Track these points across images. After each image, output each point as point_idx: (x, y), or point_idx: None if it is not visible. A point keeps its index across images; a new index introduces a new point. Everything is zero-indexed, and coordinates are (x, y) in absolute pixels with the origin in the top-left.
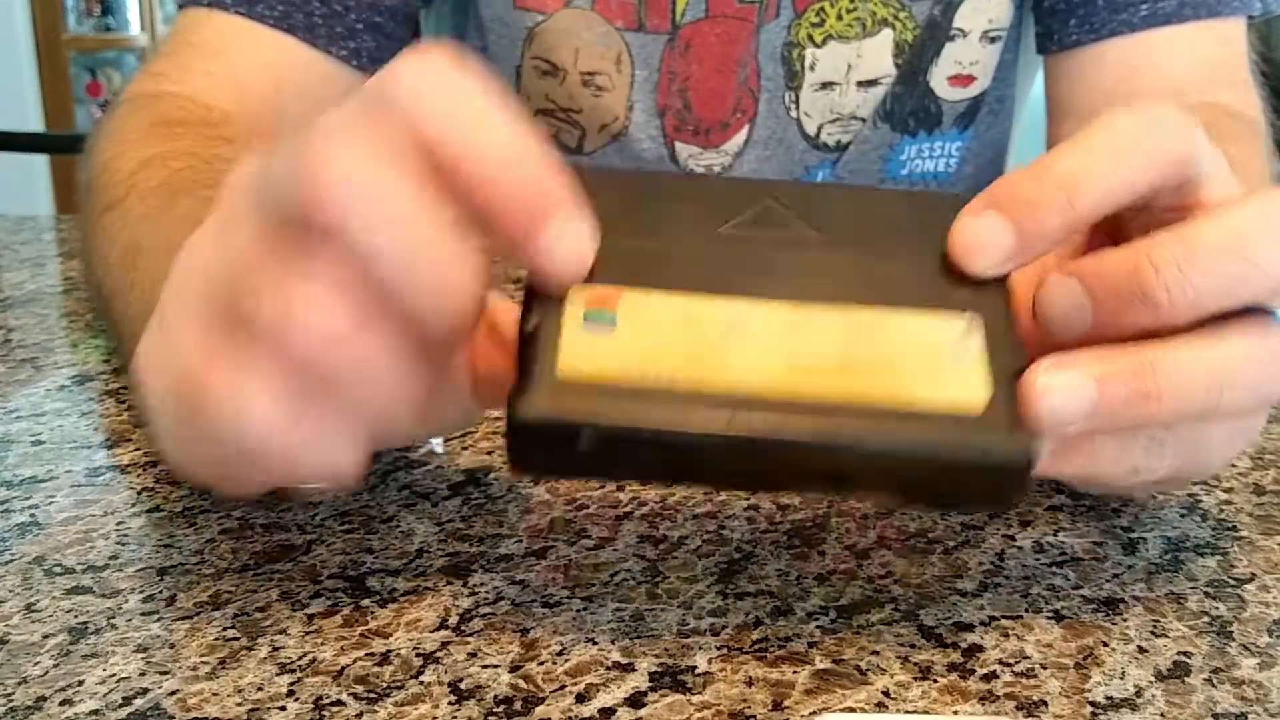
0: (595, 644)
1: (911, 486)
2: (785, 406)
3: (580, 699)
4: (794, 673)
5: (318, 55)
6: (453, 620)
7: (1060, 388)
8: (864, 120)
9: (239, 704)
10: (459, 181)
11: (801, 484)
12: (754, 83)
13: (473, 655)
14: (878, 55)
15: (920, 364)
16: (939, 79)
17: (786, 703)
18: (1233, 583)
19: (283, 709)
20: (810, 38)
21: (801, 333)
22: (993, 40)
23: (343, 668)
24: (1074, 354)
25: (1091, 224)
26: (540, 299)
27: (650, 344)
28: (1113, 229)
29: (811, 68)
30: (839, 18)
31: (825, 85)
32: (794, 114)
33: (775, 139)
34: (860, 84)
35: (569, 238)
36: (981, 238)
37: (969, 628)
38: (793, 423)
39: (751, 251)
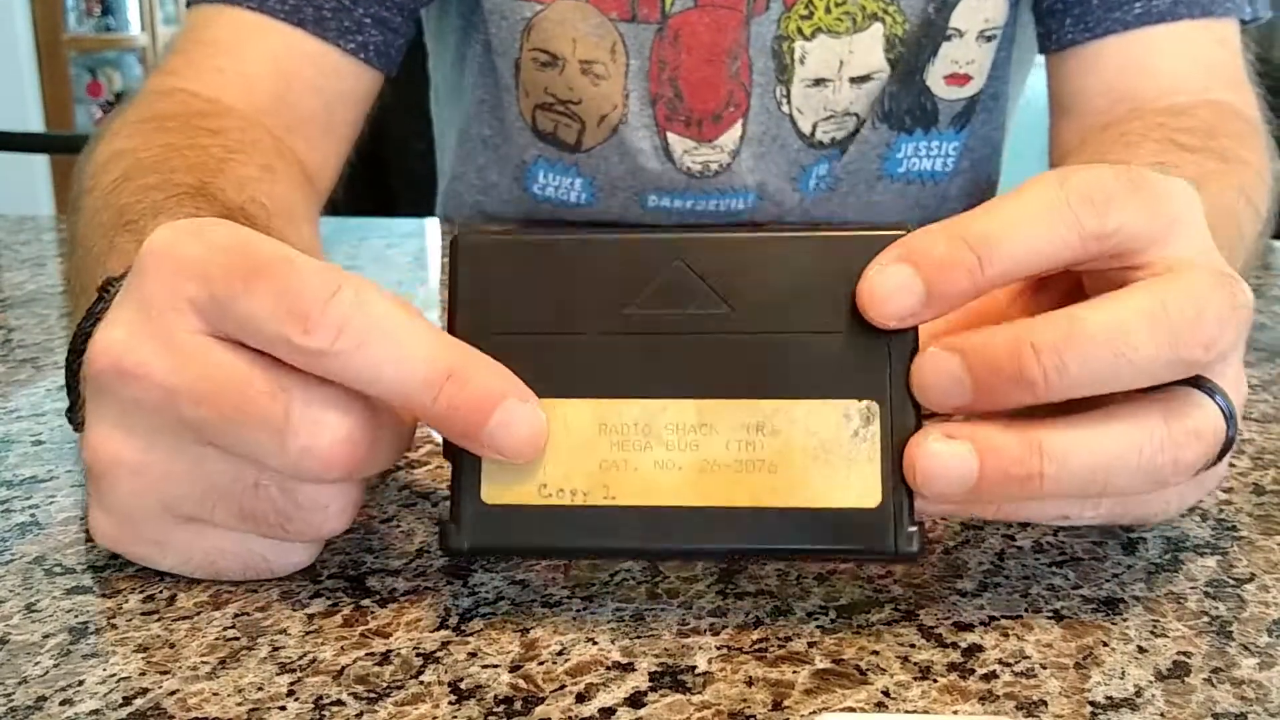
0: (595, 644)
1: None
2: (690, 516)
3: (580, 699)
4: (794, 673)
5: (327, 48)
6: (453, 620)
7: (942, 456)
8: (858, 117)
9: (239, 704)
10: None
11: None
12: (745, 77)
13: (473, 655)
14: (869, 50)
15: (817, 458)
16: (936, 78)
17: (786, 703)
18: (1232, 583)
19: (283, 709)
20: (800, 30)
21: (706, 436)
22: (989, 39)
23: (343, 667)
24: (964, 426)
25: (1001, 286)
26: None
27: (566, 459)
28: (1050, 281)
29: (802, 61)
30: (828, 10)
31: (818, 82)
32: (786, 109)
33: (769, 136)
34: (853, 80)
35: (514, 428)
36: (889, 290)
37: (969, 627)
38: (697, 535)
39: (658, 343)
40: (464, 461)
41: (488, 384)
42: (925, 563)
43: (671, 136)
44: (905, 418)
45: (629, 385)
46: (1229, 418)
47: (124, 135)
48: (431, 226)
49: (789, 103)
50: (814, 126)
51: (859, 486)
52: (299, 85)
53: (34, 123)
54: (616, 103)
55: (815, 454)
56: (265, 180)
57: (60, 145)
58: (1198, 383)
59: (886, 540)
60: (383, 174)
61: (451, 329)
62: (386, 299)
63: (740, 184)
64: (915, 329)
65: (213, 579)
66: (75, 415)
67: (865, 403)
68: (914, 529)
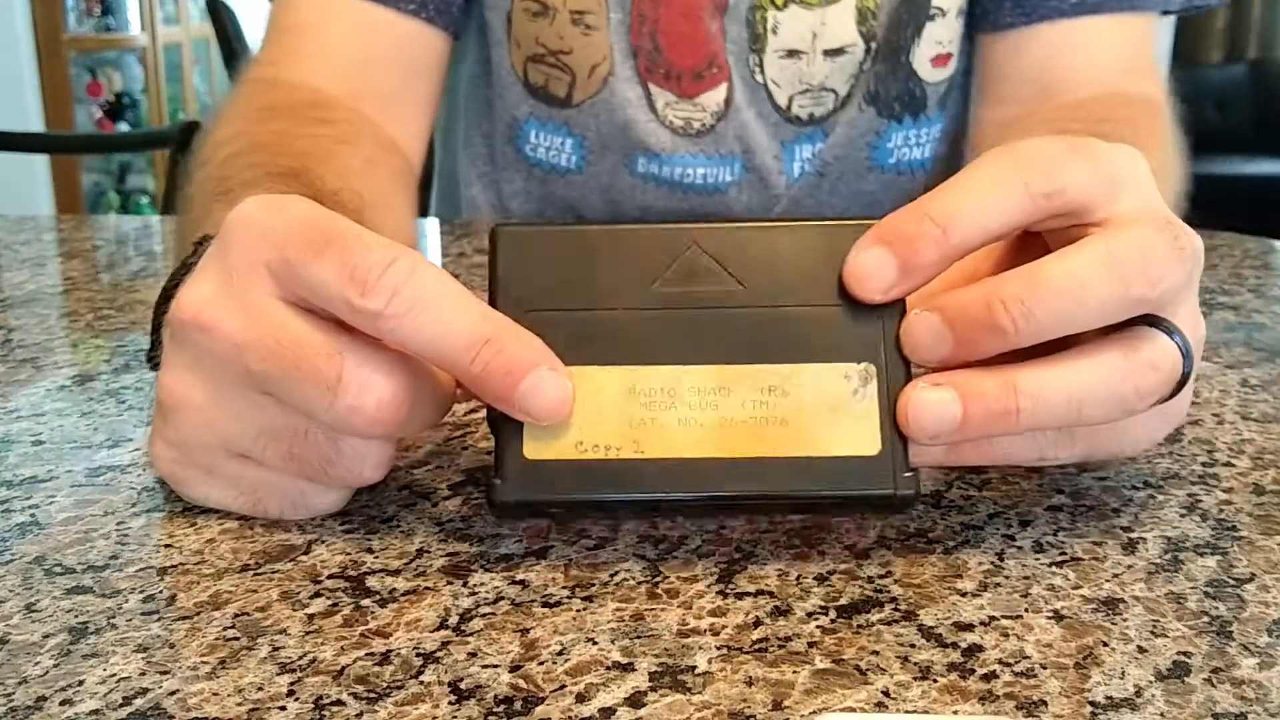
0: (595, 644)
1: (815, 509)
2: (711, 467)
3: (580, 699)
4: (794, 672)
5: (395, 16)
6: (453, 620)
7: (930, 403)
8: (835, 93)
9: (239, 704)
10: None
11: (729, 515)
12: (720, 42)
13: (473, 655)
14: (841, 23)
15: (824, 414)
16: (922, 60)
17: (786, 703)
18: (1232, 583)
19: (283, 709)
20: (772, 1)
21: (724, 397)
22: (961, 15)
23: (343, 668)
24: (946, 374)
25: (969, 252)
26: None
27: (599, 418)
28: (1033, 241)
29: (774, 31)
30: None
31: (791, 53)
32: (760, 79)
33: (748, 104)
34: (827, 53)
35: (543, 394)
36: (868, 269)
37: (969, 627)
38: (717, 483)
39: (680, 317)
40: (508, 423)
41: (521, 352)
42: (925, 563)
43: (654, 88)
44: (898, 377)
45: (654, 354)
46: (1185, 354)
47: (240, 120)
48: (431, 227)
49: (763, 73)
50: (790, 100)
51: (860, 438)
52: (379, 61)
53: (34, 123)
54: (606, 54)
55: (821, 411)
56: (366, 172)
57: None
58: (1154, 322)
59: (886, 481)
60: None
61: (493, 307)
62: (438, 273)
63: (726, 149)
64: (902, 300)
65: (252, 513)
66: (154, 355)
67: (863, 365)
68: (910, 474)
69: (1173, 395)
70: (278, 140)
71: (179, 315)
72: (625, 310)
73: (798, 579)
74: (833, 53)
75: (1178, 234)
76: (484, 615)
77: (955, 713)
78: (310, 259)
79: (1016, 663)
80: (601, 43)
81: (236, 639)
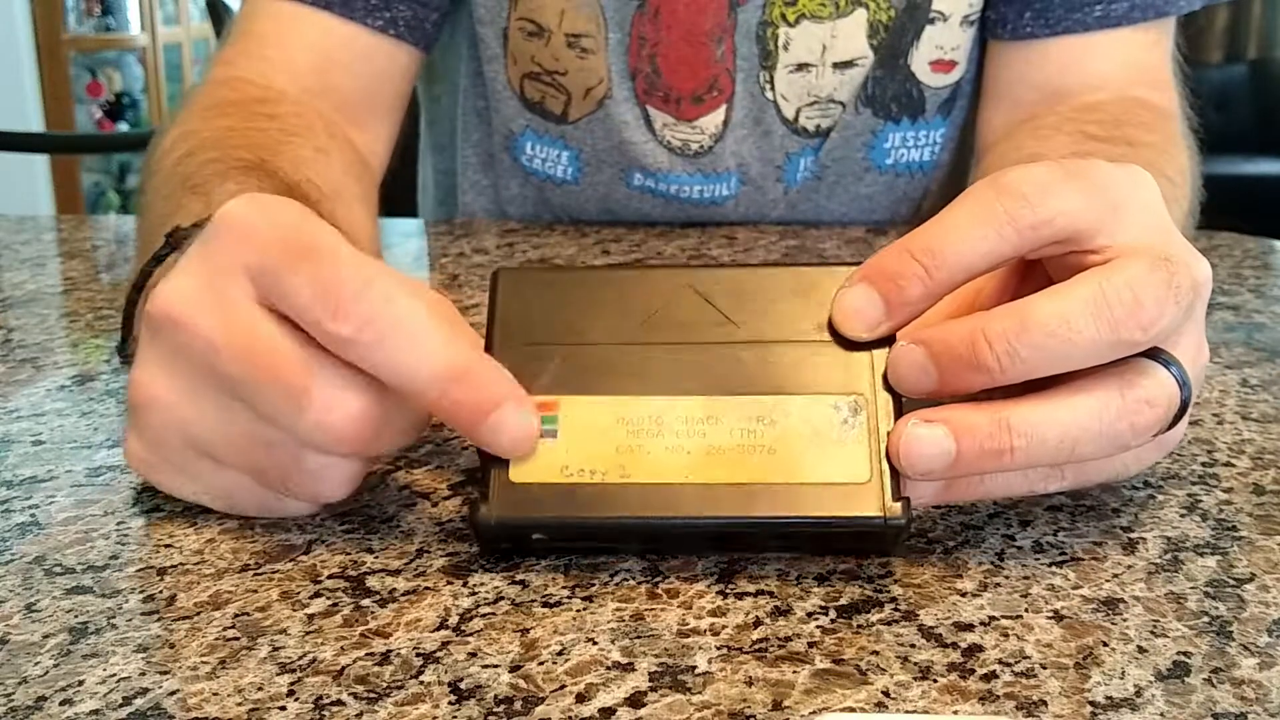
0: (595, 644)
1: (809, 545)
2: (697, 491)
3: (580, 699)
4: (794, 672)
5: (356, 30)
6: (453, 620)
7: (922, 439)
8: (842, 104)
9: (239, 704)
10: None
11: (721, 550)
12: (730, 62)
13: (473, 655)
14: (852, 36)
15: (812, 442)
16: (920, 64)
17: (786, 702)
18: (1232, 583)
19: (283, 709)
20: (784, 16)
21: (712, 426)
22: (971, 24)
23: (343, 668)
24: (940, 410)
25: (956, 288)
26: None
27: (586, 444)
28: (1036, 268)
29: (785, 47)
30: None
31: (801, 67)
32: (770, 95)
33: (753, 120)
34: (836, 65)
35: (506, 430)
36: (855, 307)
37: (969, 627)
38: (705, 506)
39: (670, 351)
40: None
41: (489, 388)
42: (925, 563)
43: (651, 110)
44: (888, 411)
45: (644, 385)
46: (1182, 384)
47: (188, 121)
48: (419, 229)
49: (772, 89)
50: (798, 112)
51: (850, 465)
52: (338, 69)
53: (34, 123)
54: (602, 77)
55: (810, 439)
56: (319, 162)
57: (60, 145)
58: (1153, 353)
59: (875, 505)
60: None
61: (489, 343)
62: (411, 300)
63: (724, 166)
64: (892, 335)
65: (228, 511)
66: (126, 349)
67: (852, 397)
68: (900, 501)
69: (1171, 427)
70: (226, 136)
71: (155, 308)
72: (617, 345)
73: (798, 579)
74: (842, 65)
75: (1175, 271)
76: (484, 615)
77: (955, 713)
78: (287, 270)
79: (1016, 663)
80: (598, 66)
81: (236, 639)
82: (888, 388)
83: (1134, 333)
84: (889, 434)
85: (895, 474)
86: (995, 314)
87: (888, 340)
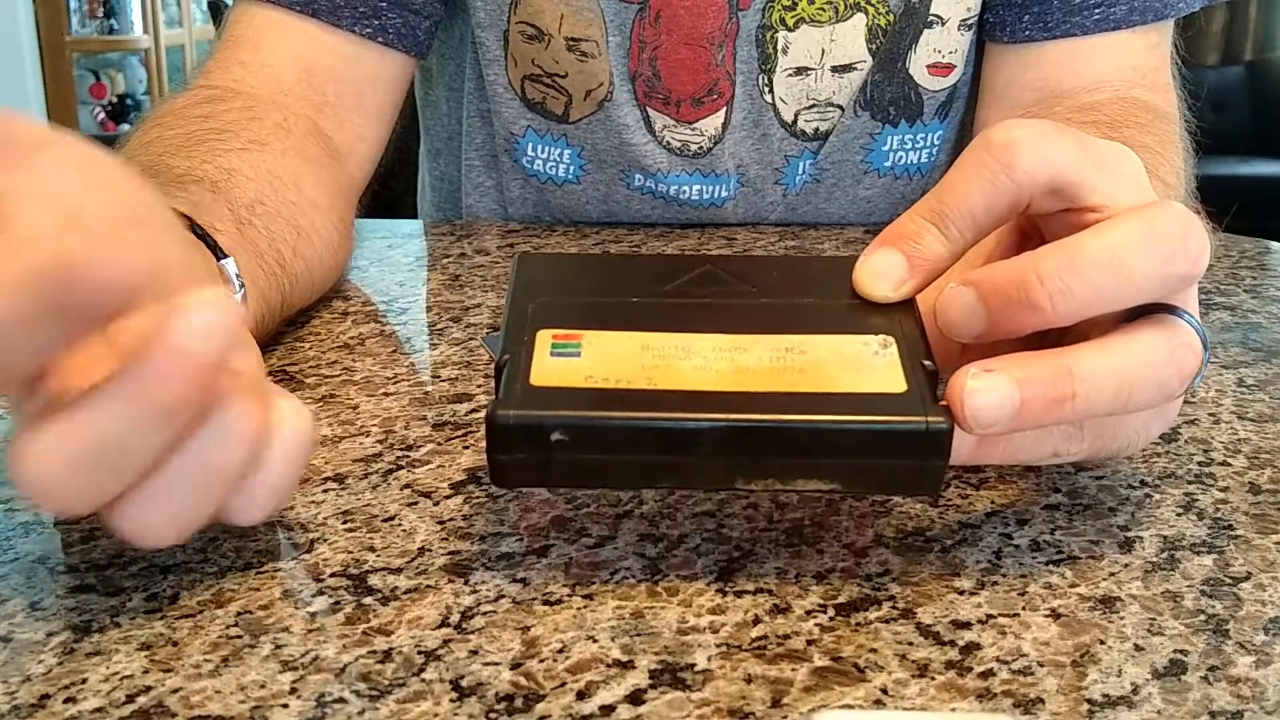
0: (595, 642)
1: (846, 465)
2: (731, 398)
3: (581, 696)
4: (793, 670)
5: (342, 37)
6: (454, 618)
7: (987, 390)
8: (841, 108)
9: (241, 701)
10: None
11: (751, 471)
12: (730, 66)
13: (474, 653)
14: (851, 40)
15: (845, 366)
16: (919, 67)
17: (785, 700)
18: (1229, 581)
19: (285, 706)
20: (783, 21)
21: (741, 351)
22: (969, 27)
23: (345, 665)
24: (996, 360)
25: (970, 245)
26: (511, 341)
27: (610, 363)
28: (1032, 234)
29: (784, 51)
30: (811, 0)
31: (799, 70)
32: (769, 98)
33: (752, 123)
34: (835, 69)
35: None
36: (878, 267)
37: (966, 625)
38: (740, 408)
39: (695, 302)
40: (513, 360)
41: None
42: (923, 561)
43: (652, 112)
44: (918, 350)
45: (671, 324)
46: (1203, 339)
47: (135, 134)
48: (420, 229)
49: (771, 92)
50: (796, 115)
51: (885, 380)
52: (320, 73)
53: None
54: (603, 80)
55: (841, 365)
56: (243, 154)
57: None
58: (1174, 310)
59: (917, 410)
60: (384, 176)
61: (510, 315)
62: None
63: (723, 168)
64: (913, 306)
65: None
66: None
67: (881, 336)
68: (941, 406)
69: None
70: (150, 142)
71: None
72: (641, 300)
73: (796, 577)
74: (841, 69)
75: (1201, 217)
76: (485, 613)
77: (953, 710)
78: None
79: (1014, 660)
80: (598, 69)
81: (239, 637)
82: (917, 331)
83: (1184, 265)
84: (947, 391)
85: (934, 386)
86: (1043, 252)
87: (909, 307)
